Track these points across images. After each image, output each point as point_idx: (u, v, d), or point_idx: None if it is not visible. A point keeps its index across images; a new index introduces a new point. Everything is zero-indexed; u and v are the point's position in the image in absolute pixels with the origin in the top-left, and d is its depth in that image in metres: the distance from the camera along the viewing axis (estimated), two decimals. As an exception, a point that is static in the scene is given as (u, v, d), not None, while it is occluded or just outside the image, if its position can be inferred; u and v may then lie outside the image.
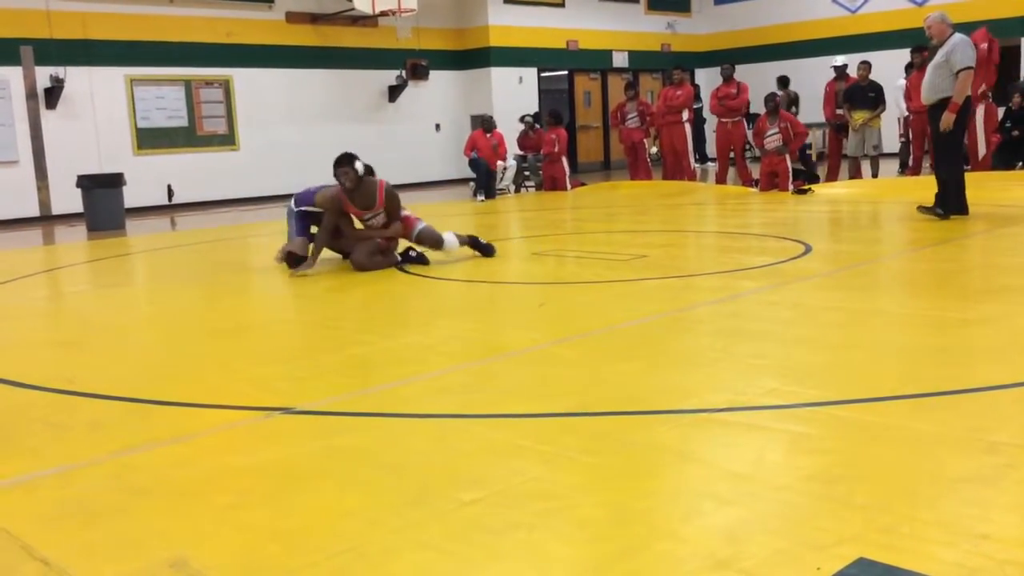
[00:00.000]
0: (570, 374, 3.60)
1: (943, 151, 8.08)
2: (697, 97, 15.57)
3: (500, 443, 2.80)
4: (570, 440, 2.78)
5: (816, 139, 17.08)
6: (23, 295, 6.62)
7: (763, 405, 3.02)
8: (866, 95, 12.25)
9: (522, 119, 15.21)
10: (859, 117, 12.18)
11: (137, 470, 2.74)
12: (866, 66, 12.40)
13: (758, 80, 16.38)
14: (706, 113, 16.47)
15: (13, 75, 13.28)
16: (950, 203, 7.91)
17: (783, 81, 15.18)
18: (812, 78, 16.05)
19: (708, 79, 20.05)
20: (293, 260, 6.61)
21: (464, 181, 16.25)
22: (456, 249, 6.84)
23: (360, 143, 16.87)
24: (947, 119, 7.67)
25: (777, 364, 3.57)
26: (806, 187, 11.32)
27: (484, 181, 13.61)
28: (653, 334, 4.27)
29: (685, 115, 13.43)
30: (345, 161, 6.46)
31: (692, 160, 13.92)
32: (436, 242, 6.78)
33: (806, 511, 2.20)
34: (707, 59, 21.31)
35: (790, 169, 11.68)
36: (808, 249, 6.60)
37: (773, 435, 2.78)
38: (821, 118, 13.63)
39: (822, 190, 11.31)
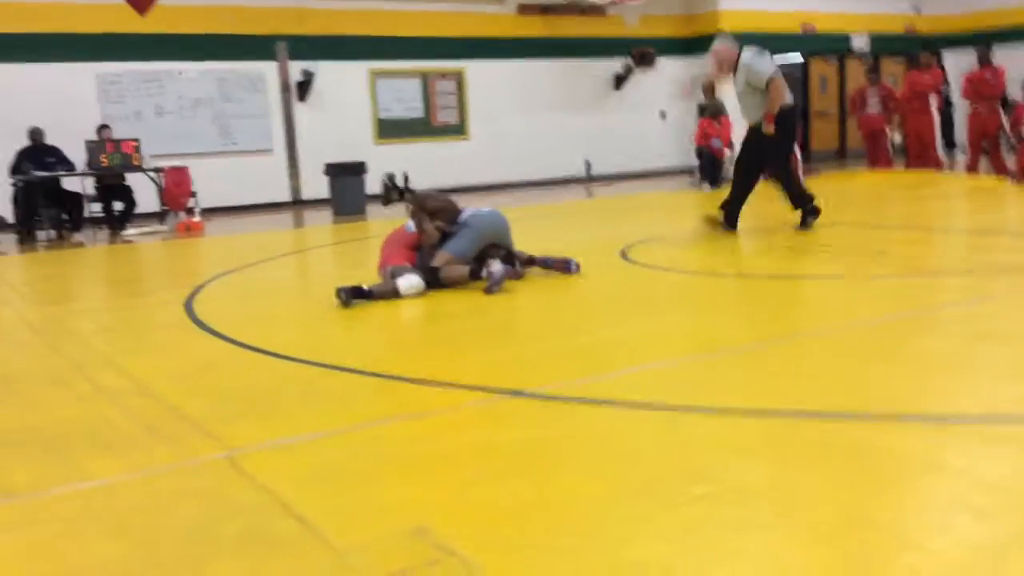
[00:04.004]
0: (804, 372, 3.48)
1: (775, 166, 7.85)
2: (945, 81, 14.54)
3: (731, 438, 2.74)
4: (805, 441, 2.68)
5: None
6: (278, 274, 7.19)
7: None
8: None
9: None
10: None
11: (382, 441, 2.92)
12: None
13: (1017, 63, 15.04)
14: (955, 98, 15.34)
15: (269, 70, 14.41)
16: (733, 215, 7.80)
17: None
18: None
19: (957, 63, 18.61)
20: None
21: (689, 170, 16.01)
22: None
23: (584, 132, 17.14)
24: (767, 127, 7.46)
25: (1039, 372, 3.29)
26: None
27: (710, 170, 13.32)
28: (895, 334, 4.03)
29: (933, 101, 12.60)
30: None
31: (939, 149, 13.05)
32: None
33: (1076, 533, 2.01)
34: (956, 41, 19.76)
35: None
36: (1074, 247, 6.01)
37: (1035, 448, 2.56)
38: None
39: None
